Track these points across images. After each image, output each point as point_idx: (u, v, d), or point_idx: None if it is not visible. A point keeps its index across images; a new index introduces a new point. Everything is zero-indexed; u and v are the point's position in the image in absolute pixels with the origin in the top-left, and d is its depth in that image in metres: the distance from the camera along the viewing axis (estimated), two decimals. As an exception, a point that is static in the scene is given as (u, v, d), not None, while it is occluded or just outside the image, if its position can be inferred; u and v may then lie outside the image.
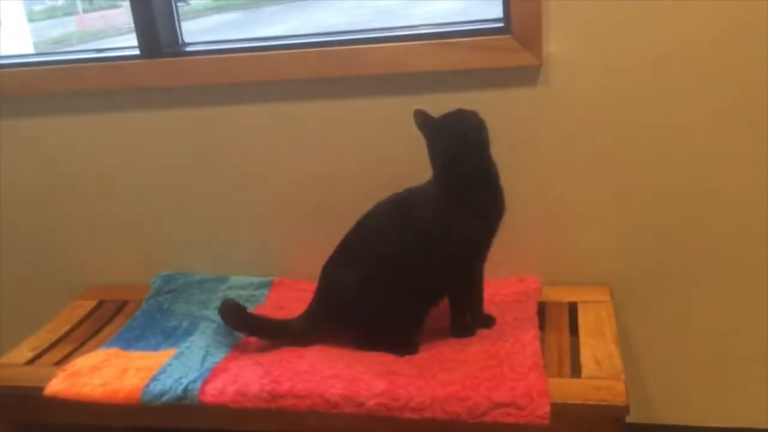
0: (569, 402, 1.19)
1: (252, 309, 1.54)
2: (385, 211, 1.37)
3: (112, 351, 1.47)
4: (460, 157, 1.28)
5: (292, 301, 1.57)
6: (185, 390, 1.29)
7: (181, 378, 1.32)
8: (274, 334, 1.42)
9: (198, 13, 5.86)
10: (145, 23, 1.58)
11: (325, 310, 1.41)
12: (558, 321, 1.44)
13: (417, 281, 1.32)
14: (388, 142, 1.55)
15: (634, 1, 1.36)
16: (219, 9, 6.07)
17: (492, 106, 1.34)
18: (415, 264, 1.31)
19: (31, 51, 3.78)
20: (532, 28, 1.41)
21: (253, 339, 1.44)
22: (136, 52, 1.61)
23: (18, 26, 3.76)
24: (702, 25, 1.36)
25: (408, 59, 1.47)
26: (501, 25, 1.47)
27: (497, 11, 1.49)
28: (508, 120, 1.35)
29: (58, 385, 1.36)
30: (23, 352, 1.51)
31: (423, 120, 1.31)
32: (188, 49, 1.65)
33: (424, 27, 1.55)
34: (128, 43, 1.64)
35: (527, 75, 1.44)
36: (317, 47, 1.53)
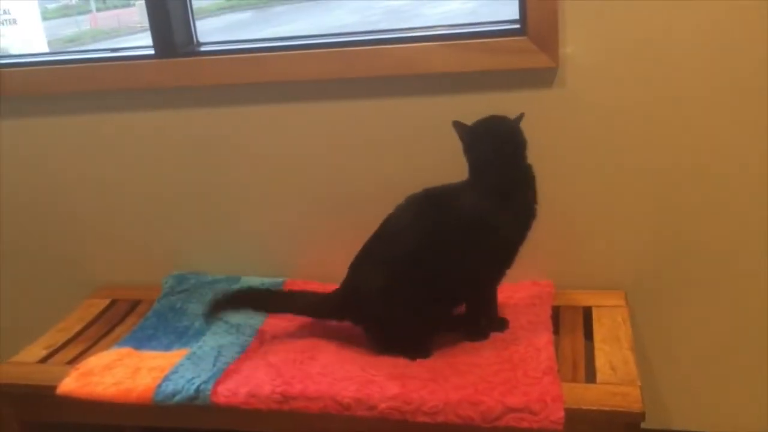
0: (584, 408, 1.17)
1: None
2: (416, 209, 1.34)
3: (125, 350, 1.47)
4: (506, 158, 1.31)
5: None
6: (197, 390, 1.29)
7: (193, 378, 1.32)
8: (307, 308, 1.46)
9: (210, 13, 5.88)
10: (160, 23, 1.58)
11: (344, 304, 1.40)
12: (572, 325, 1.43)
13: (442, 282, 1.31)
14: (402, 143, 1.54)
15: (650, 3, 1.35)
16: (231, 8, 6.09)
17: (508, 108, 1.34)
18: (445, 263, 1.30)
19: (45, 49, 3.80)
20: (548, 30, 1.40)
21: (266, 336, 1.46)
22: (151, 51, 1.61)
23: (32, 24, 3.78)
24: (720, 28, 1.34)
25: (423, 60, 1.46)
26: (517, 26, 1.46)
27: (507, 11, 1.47)
28: (523, 122, 1.34)
29: (70, 384, 1.36)
30: (36, 350, 1.52)
31: (462, 128, 1.34)
32: (203, 49, 1.65)
33: (440, 28, 1.54)
34: (142, 42, 1.64)
35: (543, 77, 1.43)
36: (332, 47, 1.52)
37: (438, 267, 1.30)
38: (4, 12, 3.39)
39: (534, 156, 1.45)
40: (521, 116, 1.33)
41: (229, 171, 1.66)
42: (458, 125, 1.34)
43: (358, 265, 1.39)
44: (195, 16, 1.66)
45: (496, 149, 1.31)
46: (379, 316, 1.35)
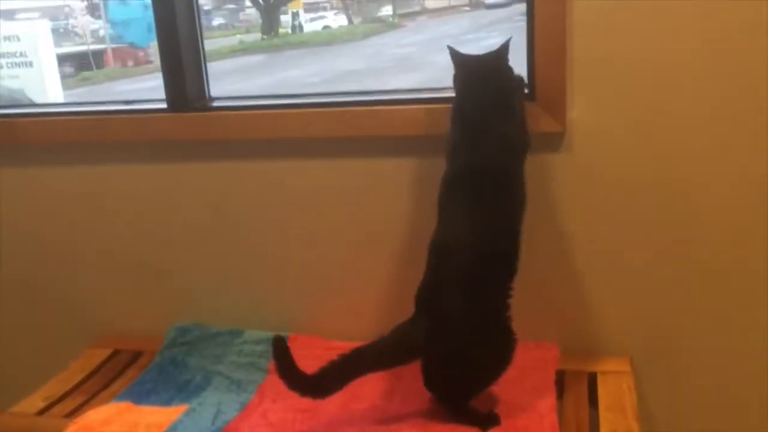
0: (587, 480, 1.16)
1: (266, 365, 1.53)
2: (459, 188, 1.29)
3: (124, 405, 1.45)
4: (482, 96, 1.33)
5: (306, 358, 1.53)
6: (195, 450, 1.27)
7: (191, 438, 1.30)
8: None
9: (223, 55, 5.99)
10: (173, 78, 1.61)
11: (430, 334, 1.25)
12: (577, 391, 1.41)
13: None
14: (409, 203, 1.55)
15: (658, 69, 1.37)
16: (243, 51, 6.20)
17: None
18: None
19: (59, 89, 3.87)
20: (556, 95, 1.42)
21: (267, 392, 1.44)
22: (164, 105, 1.63)
23: (47, 65, 3.86)
24: (729, 95, 1.36)
25: (433, 121, 1.47)
26: (525, 91, 1.47)
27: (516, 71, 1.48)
28: (530, 184, 1.35)
29: (68, 438, 1.34)
30: (35, 401, 1.51)
31: (455, 55, 1.36)
32: (215, 104, 1.67)
33: (449, 90, 1.56)
34: (155, 83, 1.67)
35: (551, 141, 1.45)
36: (342, 107, 1.54)
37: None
38: (21, 54, 3.47)
39: (541, 218, 1.46)
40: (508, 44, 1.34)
41: (236, 225, 1.66)
42: (452, 51, 1.35)
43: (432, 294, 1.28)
44: (209, 58, 1.68)
45: (474, 89, 1.32)
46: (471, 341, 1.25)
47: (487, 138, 1.29)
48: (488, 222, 1.27)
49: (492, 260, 1.26)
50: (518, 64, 1.42)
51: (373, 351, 1.28)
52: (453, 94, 1.37)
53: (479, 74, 1.35)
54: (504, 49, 1.35)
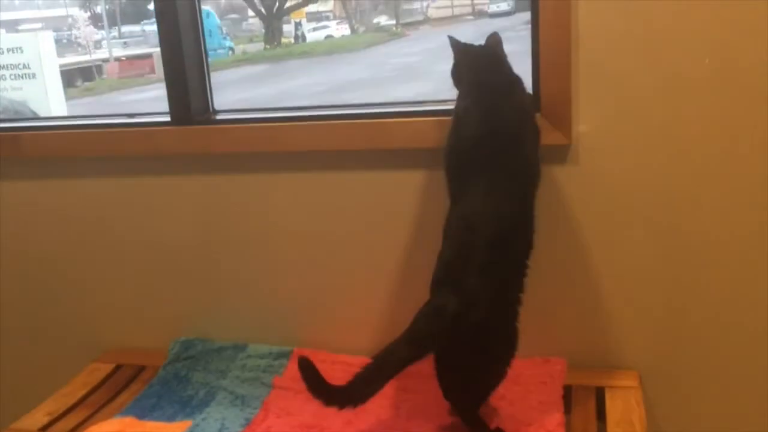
0: (595, 497, 1.14)
1: (270, 380, 1.52)
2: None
3: (128, 420, 1.44)
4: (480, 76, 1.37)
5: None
6: (199, 468, 1.26)
7: (195, 455, 1.29)
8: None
9: (226, 65, 6.00)
10: (177, 91, 1.61)
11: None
12: (585, 406, 1.39)
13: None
14: (412, 215, 1.54)
15: (663, 82, 1.36)
16: (246, 61, 6.20)
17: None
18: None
19: (62, 100, 3.86)
20: (562, 108, 1.41)
21: (271, 408, 1.43)
22: (167, 118, 1.63)
23: (51, 76, 3.85)
24: (732, 112, 1.35)
25: (437, 134, 1.47)
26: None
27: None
28: (537, 199, 1.34)
29: (71, 455, 1.33)
30: (39, 416, 1.50)
31: (455, 45, 1.41)
32: (218, 117, 1.66)
33: (452, 102, 1.55)
34: (158, 92, 1.67)
35: (557, 153, 1.44)
36: (347, 119, 1.54)
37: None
38: (24, 66, 3.47)
39: (547, 231, 1.44)
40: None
41: (239, 238, 1.66)
42: (452, 41, 1.40)
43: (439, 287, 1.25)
44: (213, 69, 1.68)
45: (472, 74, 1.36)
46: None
47: (503, 103, 1.32)
48: (508, 194, 1.26)
49: (513, 233, 1.25)
50: (523, 72, 1.42)
51: (400, 344, 1.22)
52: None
53: (482, 56, 1.39)
54: (495, 42, 1.39)
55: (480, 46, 1.41)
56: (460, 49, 1.41)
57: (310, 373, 1.21)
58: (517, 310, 1.26)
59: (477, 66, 1.38)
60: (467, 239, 1.24)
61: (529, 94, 1.40)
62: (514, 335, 1.26)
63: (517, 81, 1.36)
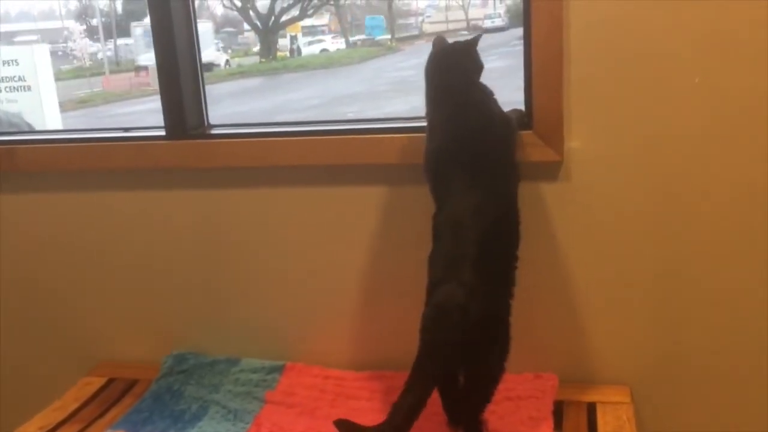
0: None
1: (263, 395, 1.52)
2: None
3: (119, 434, 1.44)
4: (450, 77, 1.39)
5: (303, 388, 1.54)
6: (191, 483, 1.26)
7: (187, 470, 1.29)
8: None
9: (222, 78, 6.03)
10: (172, 105, 1.61)
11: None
12: (576, 422, 1.40)
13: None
14: (404, 231, 1.55)
15: (656, 98, 1.38)
16: (242, 74, 6.23)
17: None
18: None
19: (57, 113, 3.87)
20: (553, 124, 1.42)
21: (263, 423, 1.42)
22: (162, 132, 1.63)
23: (46, 88, 3.86)
24: (727, 130, 1.36)
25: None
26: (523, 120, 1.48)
27: (506, 94, 1.48)
28: (527, 214, 1.35)
29: (62, 470, 1.33)
30: (31, 430, 1.48)
31: (438, 42, 1.41)
32: (213, 131, 1.67)
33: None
34: (151, 105, 1.67)
35: (548, 170, 1.45)
36: (341, 134, 1.55)
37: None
38: (19, 78, 3.49)
39: (538, 247, 1.46)
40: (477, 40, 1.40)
41: (233, 252, 1.66)
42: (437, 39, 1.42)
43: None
44: (208, 82, 1.68)
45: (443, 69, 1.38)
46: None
47: (473, 109, 1.34)
48: (491, 189, 1.28)
49: (500, 225, 1.27)
50: (516, 88, 1.44)
51: (421, 358, 1.20)
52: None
53: (452, 53, 1.41)
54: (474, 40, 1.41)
55: (444, 47, 1.41)
56: (435, 51, 1.41)
57: (348, 427, 1.21)
58: (509, 304, 1.28)
59: (441, 69, 1.39)
60: (458, 236, 1.26)
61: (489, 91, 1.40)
62: (509, 329, 1.28)
63: (474, 84, 1.37)
